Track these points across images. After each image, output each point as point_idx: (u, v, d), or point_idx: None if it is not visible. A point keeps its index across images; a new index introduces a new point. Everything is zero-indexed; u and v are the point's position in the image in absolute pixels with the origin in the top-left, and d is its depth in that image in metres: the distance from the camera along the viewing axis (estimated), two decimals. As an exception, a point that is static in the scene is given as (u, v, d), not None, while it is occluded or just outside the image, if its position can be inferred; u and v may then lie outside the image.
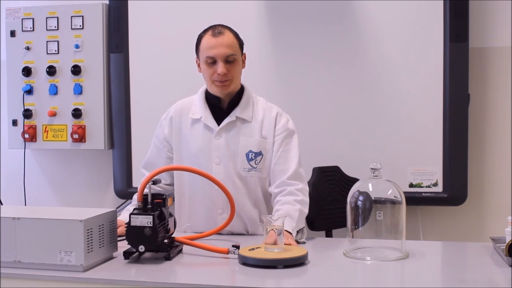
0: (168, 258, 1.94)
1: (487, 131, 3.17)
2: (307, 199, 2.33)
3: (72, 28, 3.40)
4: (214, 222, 2.31)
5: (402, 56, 3.10)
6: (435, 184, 3.09)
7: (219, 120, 2.37)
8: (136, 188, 2.13)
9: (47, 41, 3.43)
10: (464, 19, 3.02)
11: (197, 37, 2.37)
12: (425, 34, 3.08)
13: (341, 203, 2.21)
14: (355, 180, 2.46)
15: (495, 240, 2.09)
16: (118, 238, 2.02)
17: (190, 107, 2.42)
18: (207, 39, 2.31)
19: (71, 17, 3.39)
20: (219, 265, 1.94)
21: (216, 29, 2.32)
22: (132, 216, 1.90)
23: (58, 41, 3.41)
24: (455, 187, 3.07)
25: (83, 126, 3.40)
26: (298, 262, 1.87)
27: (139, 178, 2.74)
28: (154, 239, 1.89)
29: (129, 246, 1.93)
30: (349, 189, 2.04)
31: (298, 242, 2.16)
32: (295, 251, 1.92)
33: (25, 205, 3.48)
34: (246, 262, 1.87)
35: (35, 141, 3.47)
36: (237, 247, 1.95)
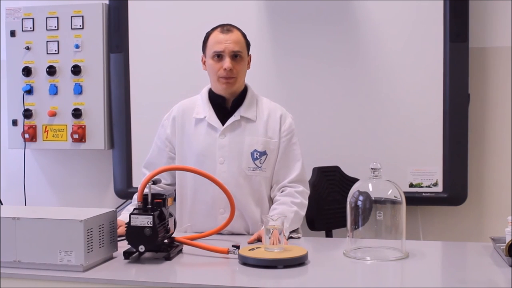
0: (168, 258, 1.94)
1: (487, 131, 3.17)
2: (306, 202, 2.37)
3: (72, 28, 3.40)
4: (215, 222, 2.31)
5: (402, 56, 3.10)
6: (435, 184, 3.09)
7: (223, 120, 2.37)
8: (136, 188, 2.13)
9: (47, 41, 3.43)
10: (464, 19, 3.02)
11: (204, 35, 2.39)
12: (425, 34, 3.08)
13: (341, 203, 2.22)
14: (355, 180, 2.46)
15: (495, 240, 2.08)
16: (118, 238, 2.02)
17: (193, 107, 2.43)
18: (216, 35, 2.34)
19: (71, 17, 3.39)
20: (219, 265, 1.94)
21: (225, 27, 2.36)
22: (132, 216, 1.90)
23: (58, 41, 3.41)
24: (455, 187, 3.07)
25: (83, 126, 3.40)
26: (298, 262, 1.87)
27: (139, 178, 2.74)
28: (154, 239, 1.89)
29: (129, 246, 1.93)
30: (349, 189, 2.04)
31: (292, 238, 2.21)
32: (295, 251, 1.92)
33: (25, 205, 3.48)
34: (246, 262, 1.87)
35: (35, 141, 3.47)
36: (237, 247, 1.95)
